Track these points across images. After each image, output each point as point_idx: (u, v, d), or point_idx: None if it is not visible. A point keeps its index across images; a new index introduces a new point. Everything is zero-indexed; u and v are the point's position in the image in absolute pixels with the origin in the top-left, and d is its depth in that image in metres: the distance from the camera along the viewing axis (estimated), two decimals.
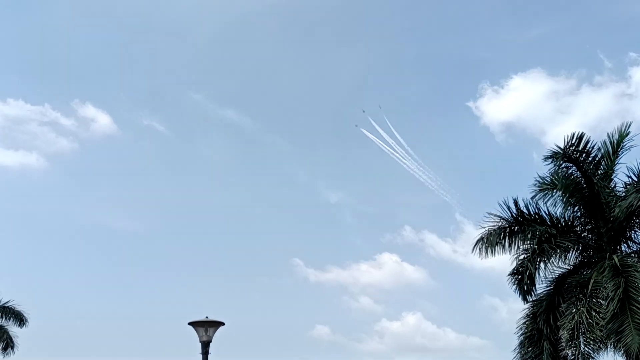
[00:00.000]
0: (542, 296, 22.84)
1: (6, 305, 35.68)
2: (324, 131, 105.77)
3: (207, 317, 19.23)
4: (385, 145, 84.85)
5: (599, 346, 20.80)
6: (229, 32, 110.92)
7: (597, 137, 21.81)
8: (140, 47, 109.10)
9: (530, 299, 23.11)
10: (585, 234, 23.35)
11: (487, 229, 23.48)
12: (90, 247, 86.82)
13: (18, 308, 35.88)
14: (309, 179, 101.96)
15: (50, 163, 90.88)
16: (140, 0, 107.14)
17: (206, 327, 19.13)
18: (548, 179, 22.55)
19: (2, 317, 35.57)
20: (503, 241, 23.18)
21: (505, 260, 23.29)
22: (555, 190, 22.58)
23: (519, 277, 22.71)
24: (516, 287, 23.04)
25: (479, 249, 23.59)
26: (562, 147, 21.42)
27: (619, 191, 22.77)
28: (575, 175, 22.06)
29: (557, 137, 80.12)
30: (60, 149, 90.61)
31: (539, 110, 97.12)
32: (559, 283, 22.67)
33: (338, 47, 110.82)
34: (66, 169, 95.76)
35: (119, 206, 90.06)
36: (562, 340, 20.62)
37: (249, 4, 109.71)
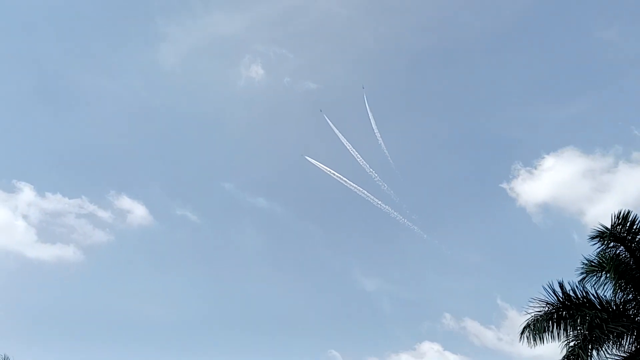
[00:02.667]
0: None
1: None
2: (357, 216, 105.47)
3: None
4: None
5: None
6: (258, 122, 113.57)
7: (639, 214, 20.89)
8: (171, 138, 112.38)
9: None
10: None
11: (533, 314, 22.26)
12: (126, 338, 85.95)
13: None
14: (344, 266, 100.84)
15: (86, 256, 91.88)
16: (170, 94, 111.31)
17: None
18: (595, 261, 21.50)
19: None
20: (551, 327, 21.86)
21: (554, 348, 21.93)
22: (603, 272, 21.44)
23: None
24: None
25: (526, 336, 22.26)
26: (608, 227, 20.55)
27: None
28: (624, 255, 21.03)
29: (597, 217, 78.23)
30: (96, 241, 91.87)
31: (576, 189, 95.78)
32: None
33: (367, 129, 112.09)
34: (102, 260, 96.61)
35: (154, 296, 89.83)
36: None
37: (278, 93, 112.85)
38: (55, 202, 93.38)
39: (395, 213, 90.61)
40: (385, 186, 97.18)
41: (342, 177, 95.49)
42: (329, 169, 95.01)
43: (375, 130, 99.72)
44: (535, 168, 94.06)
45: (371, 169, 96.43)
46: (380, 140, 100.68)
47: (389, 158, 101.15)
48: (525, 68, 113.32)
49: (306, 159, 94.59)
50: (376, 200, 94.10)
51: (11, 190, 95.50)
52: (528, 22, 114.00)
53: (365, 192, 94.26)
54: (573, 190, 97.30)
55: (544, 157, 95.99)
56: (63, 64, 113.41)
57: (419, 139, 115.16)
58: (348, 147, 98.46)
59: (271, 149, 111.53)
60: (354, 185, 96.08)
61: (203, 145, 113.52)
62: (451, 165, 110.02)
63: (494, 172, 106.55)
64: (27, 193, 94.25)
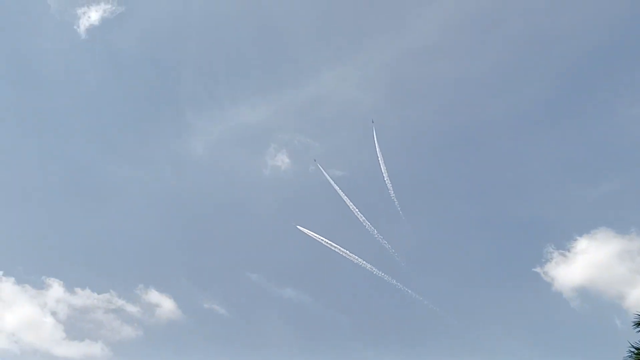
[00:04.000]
0: None
1: None
2: (387, 305, 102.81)
3: None
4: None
5: None
6: (284, 210, 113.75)
7: None
8: (199, 228, 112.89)
9: None
10: None
11: None
12: None
13: None
14: (376, 359, 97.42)
15: (114, 352, 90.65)
16: (198, 184, 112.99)
17: None
18: None
19: None
20: None
21: None
22: None
23: None
24: None
25: None
26: None
27: None
28: None
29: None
30: (125, 337, 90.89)
31: (613, 272, 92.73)
32: None
33: (394, 214, 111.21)
34: (131, 357, 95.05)
35: None
36: None
37: (304, 181, 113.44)
38: (84, 297, 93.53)
39: (426, 301, 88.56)
40: (414, 273, 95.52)
41: (367, 263, 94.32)
42: (335, 245, 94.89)
43: (402, 215, 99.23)
44: (569, 251, 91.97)
45: (399, 256, 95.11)
46: (407, 226, 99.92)
47: (418, 244, 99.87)
48: (553, 147, 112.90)
49: (298, 228, 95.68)
50: (406, 288, 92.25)
51: (41, 286, 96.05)
52: (554, 101, 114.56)
53: (394, 280, 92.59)
54: (610, 272, 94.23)
55: (576, 239, 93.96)
56: (93, 156, 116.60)
57: (447, 223, 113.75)
58: (376, 235, 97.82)
59: (297, 237, 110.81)
60: (382, 273, 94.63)
61: (230, 234, 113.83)
62: (481, 250, 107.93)
63: (526, 256, 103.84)
64: (56, 289, 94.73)
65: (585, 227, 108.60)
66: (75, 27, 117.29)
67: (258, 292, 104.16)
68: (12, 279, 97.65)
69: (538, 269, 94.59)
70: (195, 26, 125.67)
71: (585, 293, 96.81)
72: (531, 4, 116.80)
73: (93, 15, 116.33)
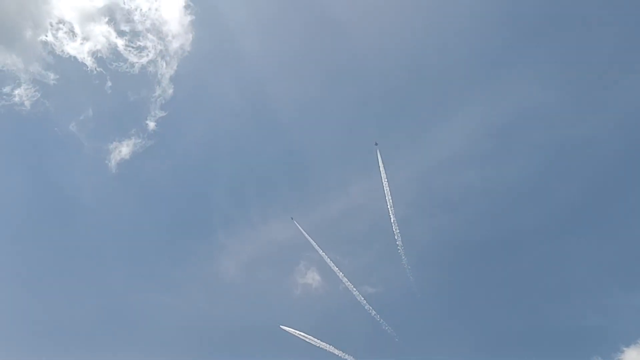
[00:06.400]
0: None
1: None
2: None
3: None
4: None
5: None
6: (316, 330, 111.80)
7: None
8: (231, 353, 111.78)
9: None
10: None
11: None
12: None
13: None
14: None
15: None
16: (230, 306, 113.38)
17: None
18: None
19: None
20: None
21: None
22: None
23: None
24: None
25: None
26: None
27: None
28: None
29: None
30: None
31: None
32: None
33: (429, 332, 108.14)
34: None
35: None
36: None
37: (336, 300, 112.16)
38: None
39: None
40: None
41: None
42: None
43: (438, 332, 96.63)
44: None
45: None
46: (443, 342, 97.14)
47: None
48: (592, 254, 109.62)
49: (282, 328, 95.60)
50: None
51: None
52: (589, 205, 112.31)
53: None
54: None
55: (623, 351, 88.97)
56: (127, 285, 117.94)
57: (486, 336, 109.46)
58: (411, 353, 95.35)
59: (329, 357, 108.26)
60: None
61: (263, 358, 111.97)
62: None
63: None
64: None
65: (632, 336, 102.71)
66: (106, 161, 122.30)
67: None
68: None
69: None
70: (223, 150, 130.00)
71: None
72: (553, 111, 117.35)
73: (124, 150, 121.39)
